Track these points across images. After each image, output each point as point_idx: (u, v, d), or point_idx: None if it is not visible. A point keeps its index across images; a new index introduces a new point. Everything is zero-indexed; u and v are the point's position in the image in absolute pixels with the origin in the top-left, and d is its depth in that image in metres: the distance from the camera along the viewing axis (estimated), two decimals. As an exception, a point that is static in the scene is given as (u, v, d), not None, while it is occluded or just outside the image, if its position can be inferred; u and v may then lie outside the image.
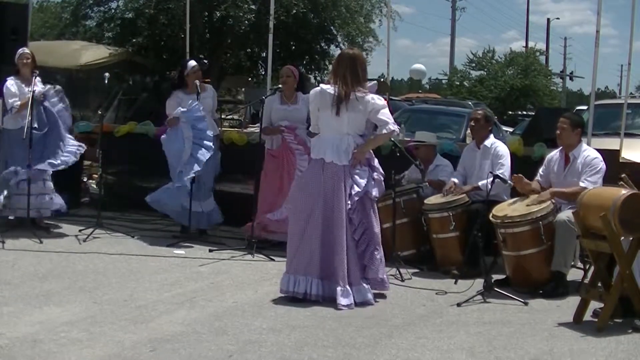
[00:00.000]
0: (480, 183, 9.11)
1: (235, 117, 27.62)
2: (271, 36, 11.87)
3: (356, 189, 7.80)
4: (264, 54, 23.75)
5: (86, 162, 13.12)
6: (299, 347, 6.30)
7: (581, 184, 8.30)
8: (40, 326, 6.55)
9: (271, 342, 6.39)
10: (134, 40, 24.12)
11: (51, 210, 10.76)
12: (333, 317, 7.21)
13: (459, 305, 7.71)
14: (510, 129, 25.45)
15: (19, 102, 10.30)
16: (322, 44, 26.95)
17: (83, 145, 10.89)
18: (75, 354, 5.95)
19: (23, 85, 10.48)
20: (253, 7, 23.74)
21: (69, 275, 8.46)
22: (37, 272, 8.51)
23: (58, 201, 10.75)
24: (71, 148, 10.70)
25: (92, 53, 22.45)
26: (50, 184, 10.69)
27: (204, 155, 10.17)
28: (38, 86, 10.50)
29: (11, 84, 10.51)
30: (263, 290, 8.13)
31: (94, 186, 13.23)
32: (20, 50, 10.89)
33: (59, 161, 10.54)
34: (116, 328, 6.60)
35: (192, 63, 10.94)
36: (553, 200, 8.43)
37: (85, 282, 8.17)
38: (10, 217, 10.67)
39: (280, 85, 10.40)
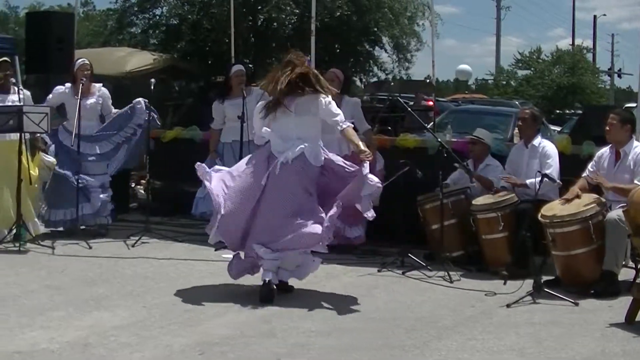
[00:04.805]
0: (528, 181, 9.04)
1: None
2: (313, 39, 11.86)
3: None
4: (308, 57, 23.78)
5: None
6: (347, 350, 6.28)
7: (637, 182, 8.21)
8: (90, 330, 6.60)
9: (319, 345, 6.38)
10: (178, 46, 24.22)
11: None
12: (382, 320, 7.18)
13: (508, 306, 7.64)
14: (558, 128, 25.24)
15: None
16: (367, 46, 26.89)
17: None
18: (124, 358, 6.00)
19: (73, 96, 10.58)
20: (296, 10, 23.73)
21: (118, 280, 8.52)
22: (87, 277, 8.58)
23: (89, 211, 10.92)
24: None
25: (138, 60, 22.55)
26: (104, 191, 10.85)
27: None
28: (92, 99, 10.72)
29: (59, 91, 10.68)
30: (312, 292, 8.14)
31: (142, 192, 13.32)
32: (80, 61, 10.96)
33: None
34: (165, 332, 6.63)
35: (236, 67, 10.92)
36: (603, 199, 8.34)
37: (134, 286, 8.22)
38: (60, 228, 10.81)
39: None
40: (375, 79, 27.41)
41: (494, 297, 8.02)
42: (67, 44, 12.72)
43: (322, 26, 20.89)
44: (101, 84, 10.99)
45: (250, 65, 11.34)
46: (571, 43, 56.51)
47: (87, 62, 10.93)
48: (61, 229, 10.80)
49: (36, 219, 10.43)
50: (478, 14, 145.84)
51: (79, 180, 10.49)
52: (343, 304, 7.67)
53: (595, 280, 8.14)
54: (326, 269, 8.84)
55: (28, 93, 10.57)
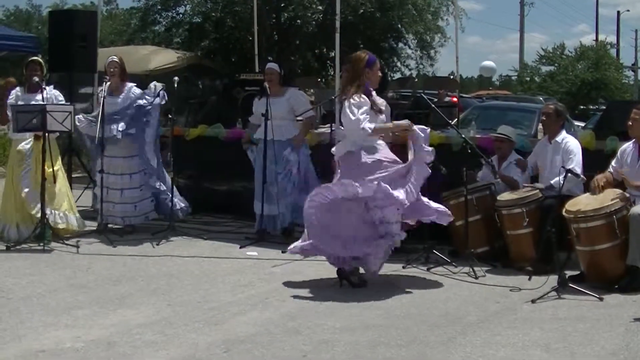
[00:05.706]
0: (552, 182, 9.00)
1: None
2: (338, 36, 11.83)
3: None
4: (332, 54, 23.74)
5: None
6: (372, 346, 6.28)
7: None
8: (115, 329, 6.63)
9: (345, 342, 6.38)
10: (202, 44, 24.25)
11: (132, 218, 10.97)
12: (407, 316, 7.18)
13: (533, 301, 7.62)
14: (582, 124, 25.13)
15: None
16: (391, 43, 26.83)
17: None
18: (149, 356, 6.01)
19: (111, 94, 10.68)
20: (320, 7, 23.70)
21: (143, 278, 8.54)
22: (111, 275, 8.61)
23: (143, 209, 10.99)
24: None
25: (161, 57, 22.58)
26: (133, 192, 10.88)
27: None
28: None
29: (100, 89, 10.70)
30: (336, 290, 8.13)
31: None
32: (109, 59, 10.97)
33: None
34: (190, 330, 6.65)
35: (267, 65, 10.89)
36: (627, 194, 8.30)
37: (159, 284, 8.24)
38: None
39: None
40: (399, 76, 27.36)
41: (518, 293, 8.00)
42: (90, 43, 12.75)
43: (346, 23, 20.88)
44: (134, 84, 10.95)
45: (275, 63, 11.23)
46: (595, 39, 56.21)
47: (116, 59, 10.89)
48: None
49: (71, 214, 10.50)
50: (501, 10, 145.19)
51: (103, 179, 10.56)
52: (368, 300, 7.67)
53: (619, 275, 8.11)
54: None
55: (57, 93, 10.61)
